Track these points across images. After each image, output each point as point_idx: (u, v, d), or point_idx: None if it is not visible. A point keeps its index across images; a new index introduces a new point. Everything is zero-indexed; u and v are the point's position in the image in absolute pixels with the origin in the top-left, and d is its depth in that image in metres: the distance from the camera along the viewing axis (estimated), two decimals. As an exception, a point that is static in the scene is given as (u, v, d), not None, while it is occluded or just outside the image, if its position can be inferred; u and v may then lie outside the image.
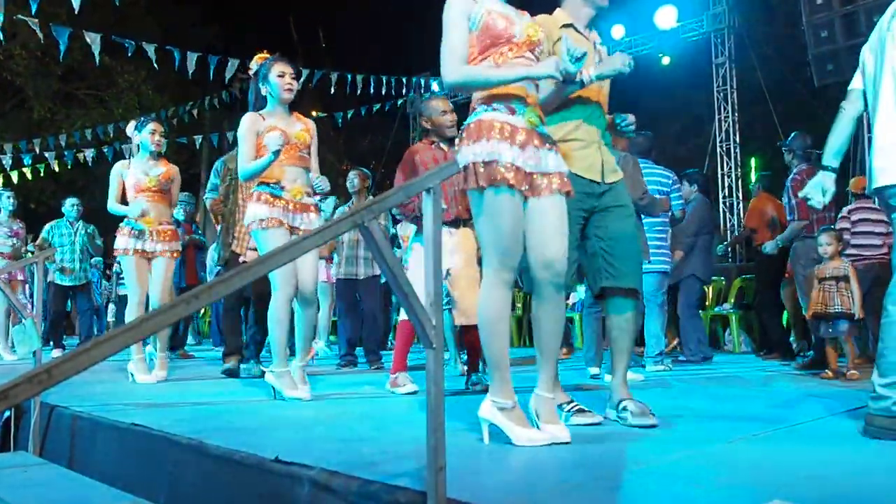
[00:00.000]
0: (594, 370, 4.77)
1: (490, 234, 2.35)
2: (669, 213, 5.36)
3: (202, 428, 2.63)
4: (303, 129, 3.91)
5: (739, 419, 2.88)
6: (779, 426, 2.65)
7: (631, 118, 2.96)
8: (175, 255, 5.07)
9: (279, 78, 3.85)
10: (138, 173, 4.99)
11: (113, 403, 3.44)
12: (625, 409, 2.68)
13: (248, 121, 3.85)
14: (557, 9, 2.96)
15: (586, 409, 2.78)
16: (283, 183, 3.80)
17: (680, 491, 1.69)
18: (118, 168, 5.10)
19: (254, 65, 3.99)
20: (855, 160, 10.75)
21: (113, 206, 5.00)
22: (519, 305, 10.10)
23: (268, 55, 3.98)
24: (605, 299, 2.87)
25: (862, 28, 9.36)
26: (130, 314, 4.98)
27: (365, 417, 3.10)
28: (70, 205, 8.09)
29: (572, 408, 2.76)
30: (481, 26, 2.40)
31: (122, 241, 4.93)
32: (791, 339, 7.02)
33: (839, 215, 6.00)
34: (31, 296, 8.27)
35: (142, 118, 5.24)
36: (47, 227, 8.07)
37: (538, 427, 2.34)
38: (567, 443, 2.25)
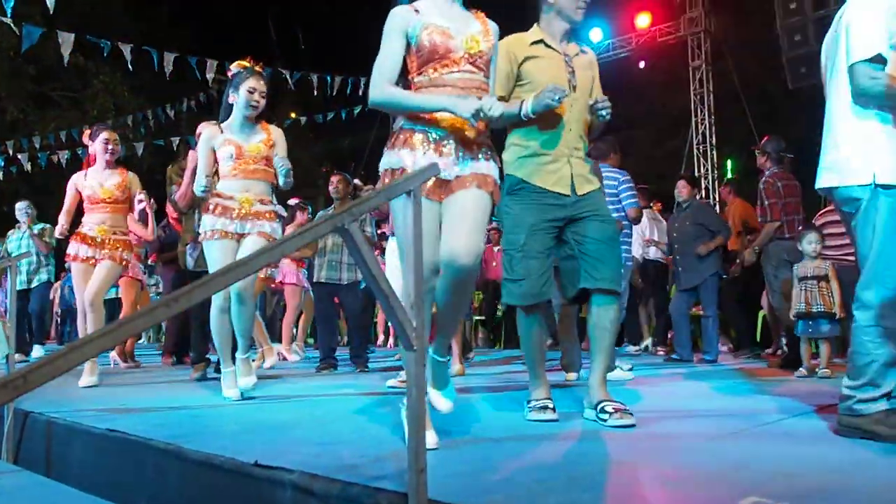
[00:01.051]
0: (571, 375, 4.78)
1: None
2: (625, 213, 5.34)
3: (180, 433, 2.61)
4: (262, 140, 3.95)
5: (715, 417, 2.91)
6: (754, 425, 2.69)
7: (604, 102, 2.87)
8: (121, 262, 4.97)
9: (248, 94, 3.89)
10: (94, 185, 4.95)
11: (87, 409, 3.39)
12: (604, 409, 2.69)
13: (204, 134, 3.97)
14: (535, 24, 2.98)
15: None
16: (233, 193, 3.88)
17: (657, 489, 1.71)
18: (74, 180, 5.03)
19: (233, 68, 3.99)
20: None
21: (62, 217, 4.91)
22: (500, 309, 10.13)
23: (248, 64, 3.98)
24: (587, 300, 2.88)
25: (834, 32, 9.51)
26: (80, 320, 4.98)
27: (345, 420, 3.08)
28: (18, 209, 7.95)
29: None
30: (419, 42, 2.40)
31: (73, 246, 4.91)
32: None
33: (824, 211, 6.07)
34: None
35: (94, 127, 5.18)
36: (7, 236, 8.12)
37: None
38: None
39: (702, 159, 12.88)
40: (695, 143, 12.95)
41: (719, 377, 4.89)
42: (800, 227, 5.47)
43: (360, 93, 13.38)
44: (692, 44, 12.77)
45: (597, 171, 4.63)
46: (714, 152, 12.83)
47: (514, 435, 2.52)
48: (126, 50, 9.87)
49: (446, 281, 2.29)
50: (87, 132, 5.13)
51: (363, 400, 3.86)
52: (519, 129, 2.92)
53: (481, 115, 2.26)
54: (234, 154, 3.87)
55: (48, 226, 7.96)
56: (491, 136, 2.58)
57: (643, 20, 12.95)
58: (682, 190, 6.58)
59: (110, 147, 4.98)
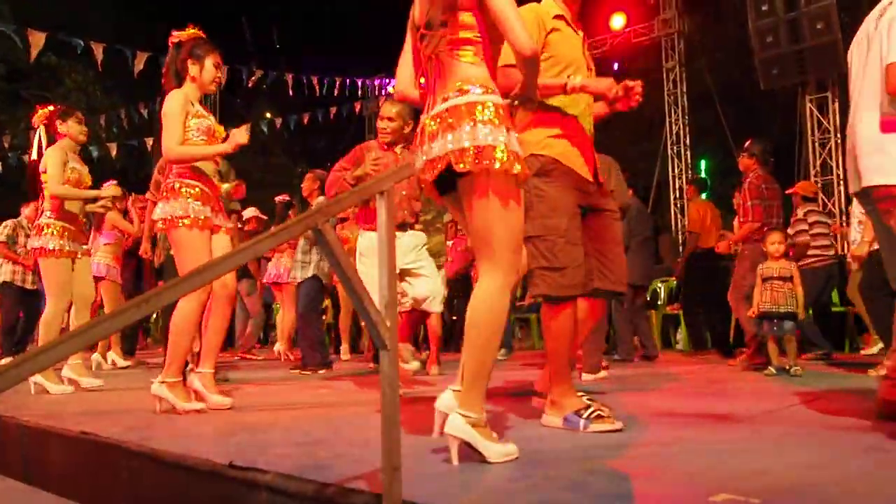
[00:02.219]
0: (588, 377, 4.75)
1: (504, 233, 2.11)
2: None
3: (153, 435, 2.59)
4: (216, 119, 3.70)
5: (686, 417, 2.94)
6: (726, 423, 2.72)
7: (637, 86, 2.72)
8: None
9: (215, 68, 3.60)
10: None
11: (60, 412, 3.35)
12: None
13: (180, 99, 3.49)
14: None
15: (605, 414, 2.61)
16: (206, 178, 3.56)
17: (632, 486, 1.72)
18: None
19: (183, 35, 3.63)
20: (800, 163, 11.07)
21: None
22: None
23: (200, 33, 3.65)
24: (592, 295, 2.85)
25: (805, 33, 9.67)
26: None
27: (321, 420, 3.07)
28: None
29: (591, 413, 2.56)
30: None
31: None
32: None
33: (795, 218, 6.18)
34: None
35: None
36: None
37: None
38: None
39: (676, 160, 13.00)
40: (669, 143, 13.06)
41: (688, 377, 4.94)
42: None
43: (335, 93, 13.38)
44: (666, 45, 12.88)
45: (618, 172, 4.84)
46: (688, 153, 12.95)
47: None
48: (98, 50, 9.75)
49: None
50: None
51: (339, 401, 3.86)
52: (546, 107, 2.69)
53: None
54: (207, 131, 3.53)
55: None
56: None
57: (618, 21, 13.04)
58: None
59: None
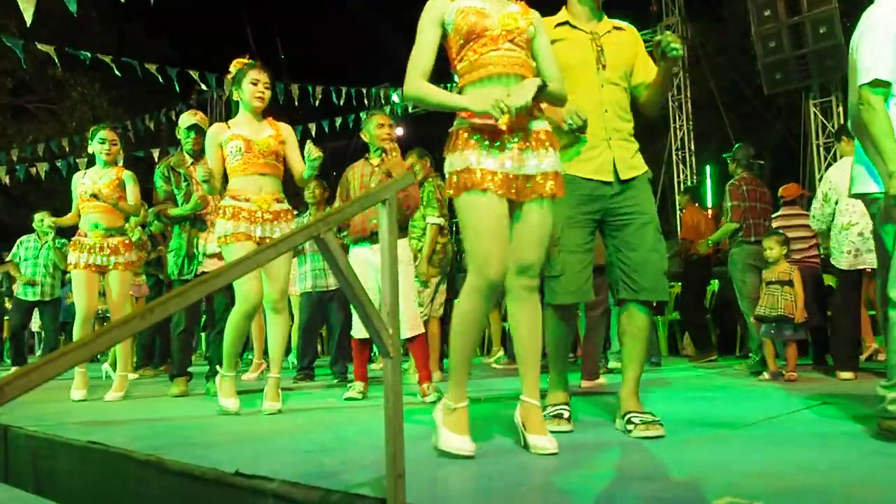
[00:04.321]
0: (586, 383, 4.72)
1: (466, 241, 2.31)
2: None
3: (160, 444, 2.61)
4: (271, 135, 3.83)
5: (688, 421, 2.94)
6: (728, 427, 2.72)
7: (666, 37, 2.66)
8: (129, 266, 4.93)
9: (252, 85, 3.81)
10: (88, 183, 4.90)
11: (68, 422, 3.37)
12: (630, 421, 2.57)
13: (211, 132, 3.83)
14: (562, 7, 2.89)
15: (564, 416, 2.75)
16: (248, 195, 3.73)
17: (635, 490, 1.73)
18: (74, 179, 5.06)
19: (232, 68, 3.93)
20: (804, 167, 11.07)
21: (63, 219, 4.95)
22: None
23: (247, 61, 3.92)
24: (620, 306, 2.80)
25: (808, 37, 9.68)
26: (77, 331, 4.83)
27: (326, 429, 3.09)
28: (37, 219, 7.90)
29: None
30: (455, 26, 2.37)
31: (73, 255, 4.84)
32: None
33: (775, 216, 6.17)
34: None
35: (93, 128, 5.11)
36: (18, 241, 8.05)
37: (523, 437, 2.31)
38: (554, 453, 2.19)
39: (681, 165, 13.01)
40: (674, 149, 13.07)
41: (690, 382, 4.94)
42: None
43: (342, 102, 13.43)
44: (669, 51, 12.90)
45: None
46: (693, 158, 12.96)
47: (498, 441, 2.54)
48: (107, 60, 9.84)
49: (517, 293, 2.38)
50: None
51: (344, 409, 3.87)
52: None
53: (503, 109, 2.15)
54: (244, 148, 3.73)
55: (67, 241, 7.92)
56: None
57: (621, 28, 13.09)
58: None
59: (107, 147, 4.94)
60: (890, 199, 2.39)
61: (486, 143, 2.30)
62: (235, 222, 3.66)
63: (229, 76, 3.97)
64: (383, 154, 4.43)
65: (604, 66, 2.78)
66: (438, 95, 2.39)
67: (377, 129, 4.41)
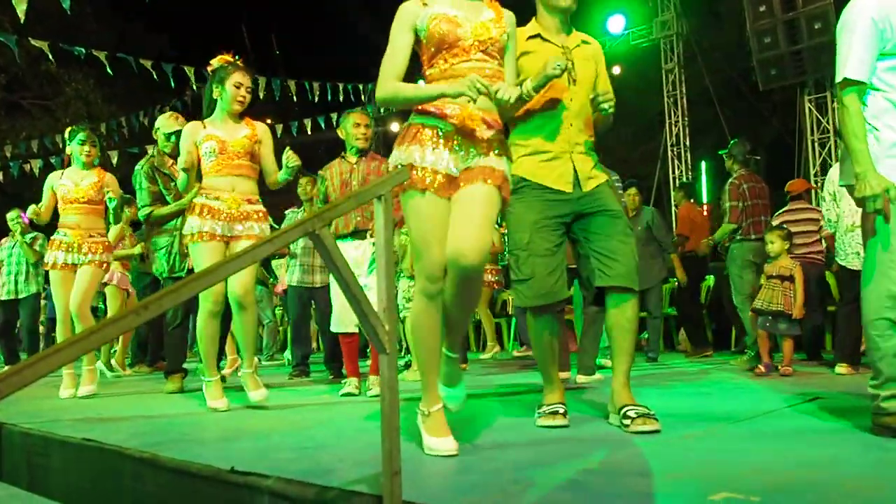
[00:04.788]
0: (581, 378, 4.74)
1: (412, 243, 2.35)
2: None
3: (156, 441, 2.60)
4: (246, 135, 3.84)
5: (684, 416, 2.94)
6: (724, 422, 2.73)
7: (605, 95, 2.71)
8: (102, 265, 4.92)
9: (235, 88, 3.80)
10: (69, 184, 4.88)
11: (63, 419, 3.36)
12: (626, 415, 2.56)
13: (186, 130, 3.85)
14: (532, 19, 2.91)
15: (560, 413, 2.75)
16: (219, 193, 3.77)
17: (631, 486, 1.73)
18: (50, 179, 4.99)
19: (215, 62, 3.89)
20: (800, 163, 11.08)
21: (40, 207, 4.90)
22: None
23: (230, 58, 3.90)
24: (605, 299, 2.80)
25: (803, 33, 9.69)
26: (58, 331, 4.87)
27: (322, 425, 3.08)
28: (10, 218, 7.82)
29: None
30: (428, 33, 2.36)
31: (50, 255, 4.85)
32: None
33: (781, 212, 6.17)
34: None
35: (72, 129, 5.09)
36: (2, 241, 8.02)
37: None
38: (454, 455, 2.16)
39: (676, 161, 13.01)
40: (669, 145, 13.08)
41: (687, 377, 4.94)
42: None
43: (341, 98, 13.39)
44: (665, 47, 12.90)
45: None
46: (688, 154, 12.97)
47: (493, 437, 2.53)
48: (101, 56, 9.79)
49: (452, 279, 2.28)
50: (67, 132, 5.06)
51: (341, 406, 3.86)
52: (519, 128, 2.84)
53: (479, 89, 2.15)
54: (217, 149, 3.75)
55: (41, 234, 7.76)
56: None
57: (616, 24, 13.07)
58: (634, 198, 6.54)
59: (86, 149, 4.92)
60: (858, 202, 2.38)
61: (439, 140, 2.30)
62: (201, 220, 3.71)
63: (210, 69, 3.93)
64: (360, 153, 4.46)
65: (574, 81, 2.81)
66: (413, 90, 2.38)
67: (353, 127, 4.46)
